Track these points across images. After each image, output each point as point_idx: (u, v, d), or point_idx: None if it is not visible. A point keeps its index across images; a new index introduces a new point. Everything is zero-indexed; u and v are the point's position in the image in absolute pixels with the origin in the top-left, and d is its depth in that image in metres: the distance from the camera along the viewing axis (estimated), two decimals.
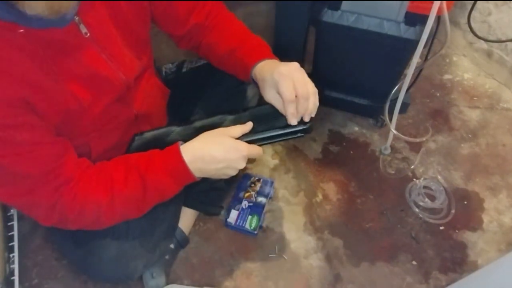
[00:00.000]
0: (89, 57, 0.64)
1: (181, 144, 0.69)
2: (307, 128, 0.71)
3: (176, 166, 0.68)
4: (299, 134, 0.72)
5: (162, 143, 0.75)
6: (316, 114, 0.71)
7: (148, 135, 0.77)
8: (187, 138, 0.74)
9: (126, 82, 0.73)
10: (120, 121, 0.77)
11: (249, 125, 0.72)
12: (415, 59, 0.97)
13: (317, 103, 0.70)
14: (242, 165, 0.70)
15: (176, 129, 0.77)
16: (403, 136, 1.19)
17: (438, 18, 0.97)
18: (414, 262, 1.09)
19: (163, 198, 0.72)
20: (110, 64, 0.68)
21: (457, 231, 1.16)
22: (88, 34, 0.62)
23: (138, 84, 0.79)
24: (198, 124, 0.76)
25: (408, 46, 1.02)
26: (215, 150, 0.67)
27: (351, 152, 1.33)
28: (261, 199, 1.18)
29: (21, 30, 0.53)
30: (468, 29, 1.25)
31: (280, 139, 0.73)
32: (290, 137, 0.73)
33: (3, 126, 0.54)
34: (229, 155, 0.68)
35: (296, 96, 0.67)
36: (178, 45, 0.88)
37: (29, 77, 0.55)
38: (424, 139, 1.32)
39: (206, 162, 0.68)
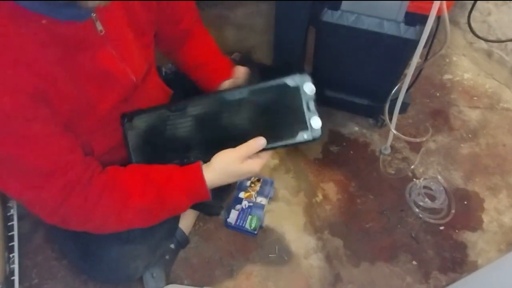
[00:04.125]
0: (102, 55, 0.64)
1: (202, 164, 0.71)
2: (317, 137, 0.70)
3: (197, 190, 0.70)
4: (309, 142, 0.70)
5: (160, 138, 0.73)
6: None
7: (139, 123, 0.74)
8: (182, 126, 0.72)
9: (135, 82, 0.73)
10: None
11: (260, 142, 0.71)
12: (415, 59, 0.97)
13: None
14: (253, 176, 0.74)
15: (169, 115, 0.74)
16: (403, 136, 1.19)
17: (438, 18, 0.97)
18: (414, 262, 1.09)
19: (174, 214, 0.74)
20: (121, 63, 0.68)
21: (457, 231, 1.16)
22: (103, 31, 0.62)
23: (142, 84, 0.79)
24: (193, 112, 0.73)
25: (408, 46, 1.02)
26: (232, 179, 0.71)
27: (351, 152, 1.33)
28: (261, 199, 1.18)
29: (44, 21, 0.54)
30: (468, 29, 1.25)
31: (290, 146, 0.72)
32: (299, 143, 0.71)
33: (17, 118, 0.54)
34: (243, 177, 0.73)
35: None
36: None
37: (47, 71, 0.56)
38: (424, 139, 1.32)
39: (221, 185, 0.72)
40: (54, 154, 0.60)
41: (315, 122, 0.70)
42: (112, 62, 0.66)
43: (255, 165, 0.70)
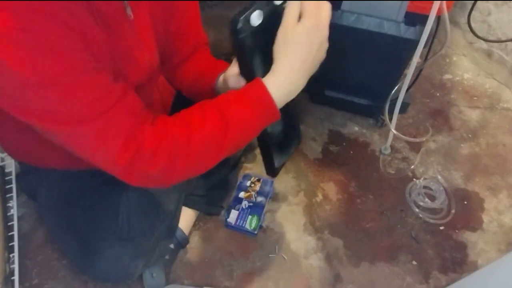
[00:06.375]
0: (128, 37, 0.66)
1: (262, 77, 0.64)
2: None
3: (261, 99, 0.63)
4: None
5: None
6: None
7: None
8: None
9: (151, 70, 0.74)
10: None
11: None
12: (415, 59, 0.97)
13: None
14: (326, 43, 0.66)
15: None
16: (403, 136, 1.19)
17: (438, 18, 0.97)
18: (414, 262, 1.09)
19: (245, 137, 0.67)
20: (143, 49, 0.70)
21: (457, 231, 1.16)
22: (132, 17, 0.65)
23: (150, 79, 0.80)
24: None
25: (408, 46, 1.02)
26: (304, 49, 0.63)
27: (351, 152, 1.33)
28: (261, 199, 1.18)
29: None
30: (468, 29, 1.25)
31: None
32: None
33: (69, 47, 0.53)
34: (314, 36, 0.64)
35: None
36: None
37: (88, 28, 0.56)
38: (424, 139, 1.32)
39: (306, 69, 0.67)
40: (108, 82, 0.59)
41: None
42: (135, 46, 0.68)
43: (318, 17, 0.61)
